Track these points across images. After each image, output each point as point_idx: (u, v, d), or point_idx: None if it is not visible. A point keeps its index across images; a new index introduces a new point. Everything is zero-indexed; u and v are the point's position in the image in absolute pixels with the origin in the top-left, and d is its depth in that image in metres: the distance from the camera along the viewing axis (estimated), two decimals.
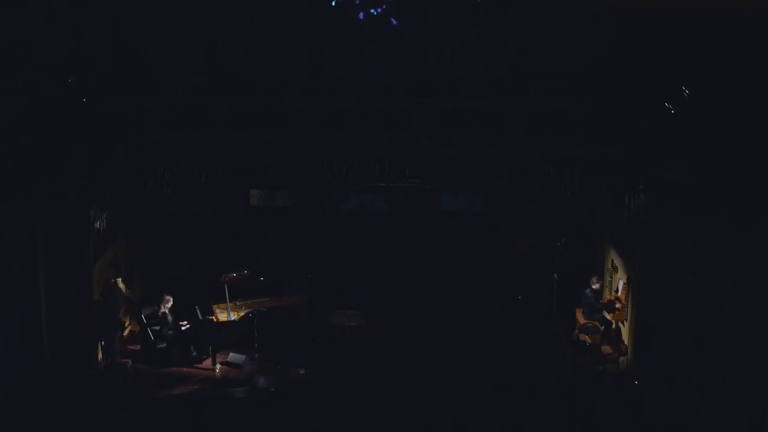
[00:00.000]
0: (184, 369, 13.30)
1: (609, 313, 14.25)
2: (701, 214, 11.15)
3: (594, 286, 14.38)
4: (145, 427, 11.33)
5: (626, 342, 13.92)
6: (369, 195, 16.77)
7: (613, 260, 15.10)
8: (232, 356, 13.59)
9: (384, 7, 15.02)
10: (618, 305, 14.07)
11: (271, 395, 12.26)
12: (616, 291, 14.51)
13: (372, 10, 14.91)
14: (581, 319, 14.52)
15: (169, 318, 13.61)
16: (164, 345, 13.47)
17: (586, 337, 14.31)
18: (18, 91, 11.43)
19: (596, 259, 15.92)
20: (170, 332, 13.49)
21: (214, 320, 13.76)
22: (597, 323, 14.23)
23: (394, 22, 15.09)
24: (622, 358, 13.55)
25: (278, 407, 11.90)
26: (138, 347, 13.94)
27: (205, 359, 13.50)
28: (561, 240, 15.02)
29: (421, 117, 15.80)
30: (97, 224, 13.70)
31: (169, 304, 13.72)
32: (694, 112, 11.38)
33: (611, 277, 15.27)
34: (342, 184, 15.86)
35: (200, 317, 14.03)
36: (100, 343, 12.95)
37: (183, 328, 13.68)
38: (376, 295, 15.99)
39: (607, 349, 14.21)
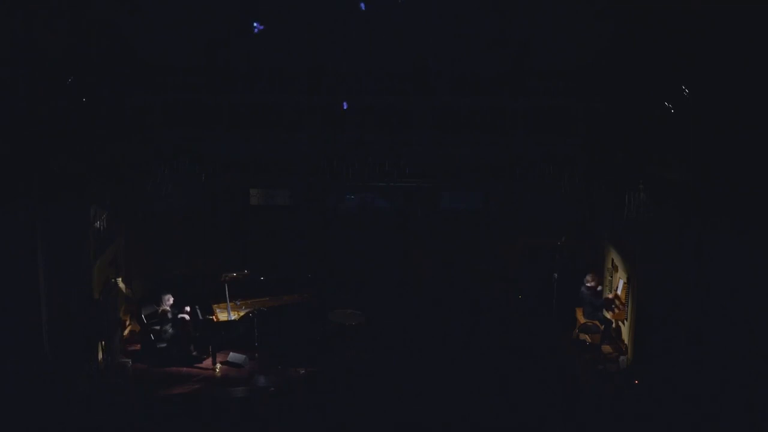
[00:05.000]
0: (184, 369, 13.29)
1: (609, 312, 14.23)
2: (701, 212, 11.14)
3: (589, 284, 14.35)
4: (145, 427, 11.32)
5: (626, 341, 13.91)
6: (369, 194, 16.76)
7: (613, 259, 15.09)
8: (232, 356, 13.59)
9: None
10: (616, 309, 14.04)
11: (271, 395, 12.26)
12: (616, 290, 14.50)
13: None
14: (581, 318, 14.51)
15: (169, 316, 13.60)
16: (164, 345, 13.48)
17: (586, 337, 14.31)
18: (18, 91, 11.40)
19: (596, 258, 15.91)
20: (170, 330, 13.48)
21: (214, 320, 13.74)
22: (597, 322, 14.22)
23: None
24: (622, 358, 13.54)
25: (278, 407, 11.90)
26: (138, 347, 13.95)
27: (205, 359, 13.50)
28: (561, 239, 15.01)
29: (421, 116, 15.83)
30: (97, 224, 13.69)
31: (170, 302, 13.72)
32: (694, 110, 11.37)
33: (611, 277, 15.26)
34: (342, 183, 15.89)
35: (200, 317, 14.03)
36: (100, 342, 12.95)
37: (181, 315, 13.65)
38: (376, 295, 15.99)
39: (607, 348, 14.20)
